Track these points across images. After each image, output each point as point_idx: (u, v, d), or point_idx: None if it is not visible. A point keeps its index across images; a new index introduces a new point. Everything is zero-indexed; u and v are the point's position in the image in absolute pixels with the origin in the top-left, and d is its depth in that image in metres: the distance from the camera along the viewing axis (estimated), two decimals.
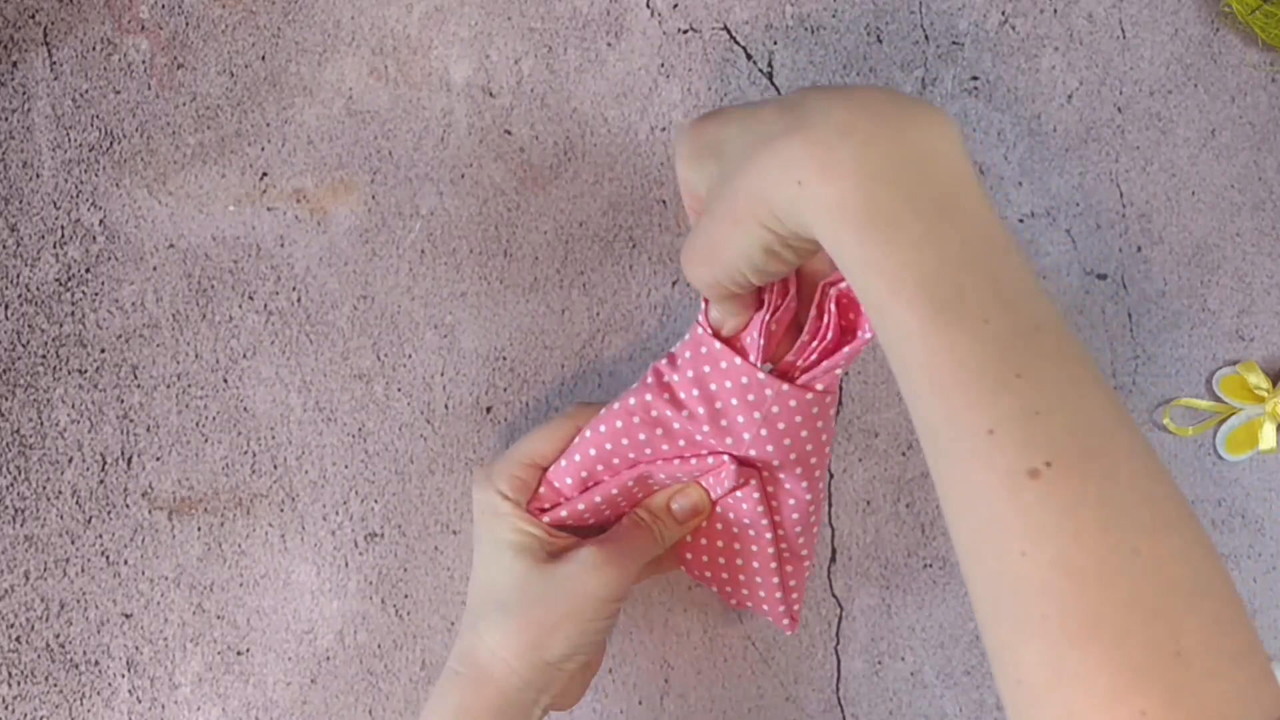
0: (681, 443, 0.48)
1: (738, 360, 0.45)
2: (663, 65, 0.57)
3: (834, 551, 0.59)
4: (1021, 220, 0.59)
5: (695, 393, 0.47)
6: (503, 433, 0.58)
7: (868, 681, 0.59)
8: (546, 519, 0.50)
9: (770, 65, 0.58)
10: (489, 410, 0.57)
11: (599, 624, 0.48)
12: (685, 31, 0.57)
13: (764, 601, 0.52)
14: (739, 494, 0.49)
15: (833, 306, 0.45)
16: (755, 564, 0.51)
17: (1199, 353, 0.60)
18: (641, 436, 0.48)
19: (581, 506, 0.50)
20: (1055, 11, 0.59)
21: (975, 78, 0.59)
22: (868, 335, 0.45)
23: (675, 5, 0.57)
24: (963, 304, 0.33)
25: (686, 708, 0.59)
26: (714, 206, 0.40)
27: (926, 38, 0.58)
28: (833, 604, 0.59)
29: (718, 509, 0.51)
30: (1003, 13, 0.59)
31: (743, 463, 0.48)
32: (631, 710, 0.58)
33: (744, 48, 0.58)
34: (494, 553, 0.50)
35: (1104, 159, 0.59)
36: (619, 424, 0.49)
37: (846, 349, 0.45)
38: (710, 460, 0.48)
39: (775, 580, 0.51)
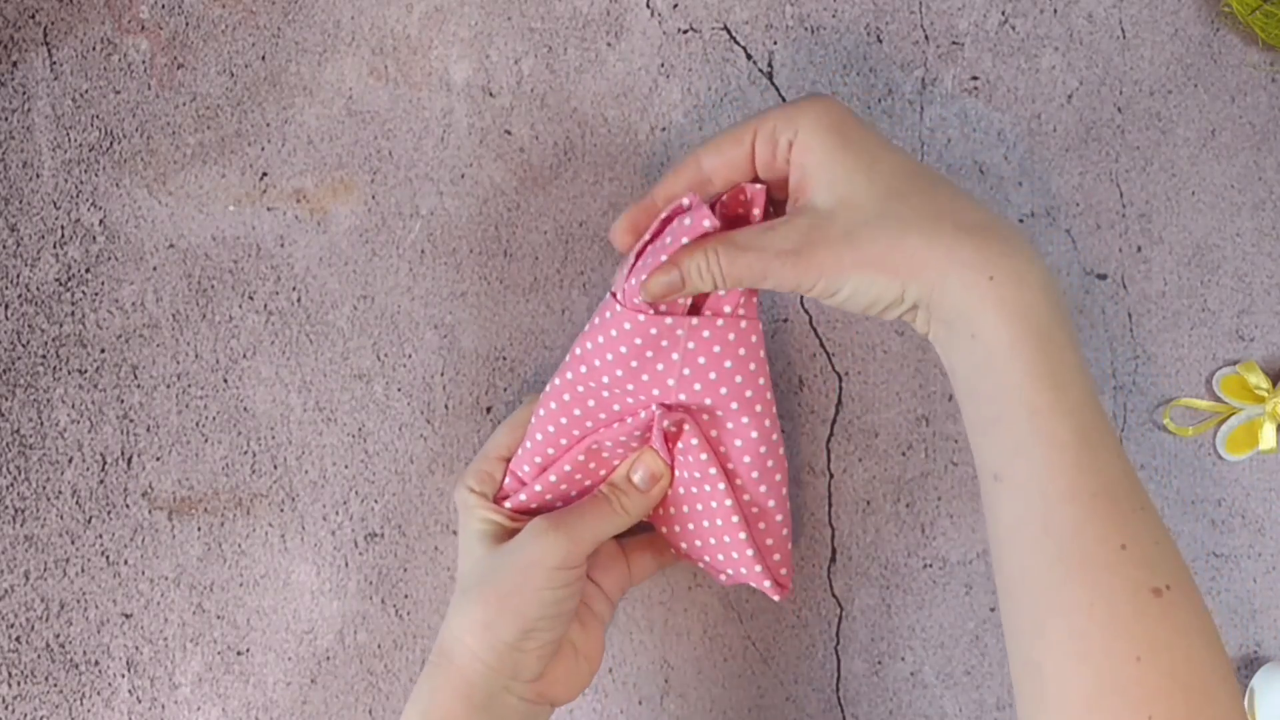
0: (616, 407, 0.49)
1: (640, 317, 0.46)
2: (663, 65, 0.57)
3: (834, 551, 0.59)
4: (1021, 220, 0.59)
5: (609, 356, 0.47)
6: None
7: (868, 681, 0.59)
8: (508, 505, 0.51)
9: (770, 65, 0.58)
10: (489, 410, 0.57)
11: (549, 594, 0.47)
12: (685, 31, 0.57)
13: (741, 564, 0.52)
14: (680, 446, 0.50)
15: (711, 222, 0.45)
16: (719, 521, 0.51)
17: (1199, 353, 0.60)
18: (577, 412, 0.50)
19: (539, 488, 0.51)
20: (1055, 11, 0.59)
21: (975, 78, 0.59)
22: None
23: (675, 5, 0.57)
24: (1101, 433, 0.40)
25: (686, 708, 0.59)
26: (858, 239, 0.41)
27: (926, 38, 0.58)
28: (833, 604, 0.59)
29: (676, 473, 0.51)
30: (1003, 13, 0.59)
31: (672, 408, 0.49)
32: (631, 710, 0.58)
33: (744, 48, 0.58)
34: (465, 545, 0.51)
35: (1104, 159, 0.59)
36: (553, 405, 0.50)
37: None
38: (643, 415, 0.49)
39: (743, 535, 0.51)
